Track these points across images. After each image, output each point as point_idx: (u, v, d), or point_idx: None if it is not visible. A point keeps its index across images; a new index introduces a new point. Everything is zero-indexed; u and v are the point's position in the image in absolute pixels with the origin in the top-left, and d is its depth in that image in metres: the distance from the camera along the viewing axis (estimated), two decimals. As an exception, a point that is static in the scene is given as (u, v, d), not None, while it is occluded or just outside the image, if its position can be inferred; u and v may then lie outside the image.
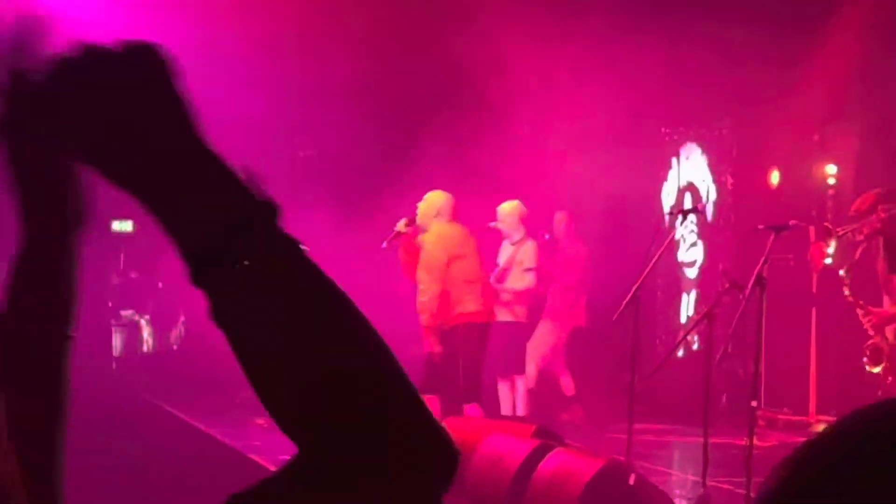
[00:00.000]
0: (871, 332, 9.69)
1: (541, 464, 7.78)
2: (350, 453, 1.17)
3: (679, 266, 15.56)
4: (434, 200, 10.62)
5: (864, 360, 9.79)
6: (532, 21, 13.75)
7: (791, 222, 8.51)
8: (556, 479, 7.60)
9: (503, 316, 11.57)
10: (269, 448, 10.03)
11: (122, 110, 1.22)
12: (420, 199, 10.72)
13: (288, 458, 1.20)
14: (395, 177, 13.13)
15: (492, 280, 11.77)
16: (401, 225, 10.61)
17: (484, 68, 13.55)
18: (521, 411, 11.78)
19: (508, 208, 11.76)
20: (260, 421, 11.28)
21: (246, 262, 1.20)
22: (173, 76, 1.24)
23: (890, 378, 9.68)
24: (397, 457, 1.18)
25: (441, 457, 1.20)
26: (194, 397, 13.36)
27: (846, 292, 9.87)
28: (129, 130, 1.22)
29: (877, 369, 9.70)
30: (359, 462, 1.17)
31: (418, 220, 10.60)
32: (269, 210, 1.23)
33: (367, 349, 1.22)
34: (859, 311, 9.75)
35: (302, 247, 1.24)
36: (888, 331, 9.74)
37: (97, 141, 1.23)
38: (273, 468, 1.25)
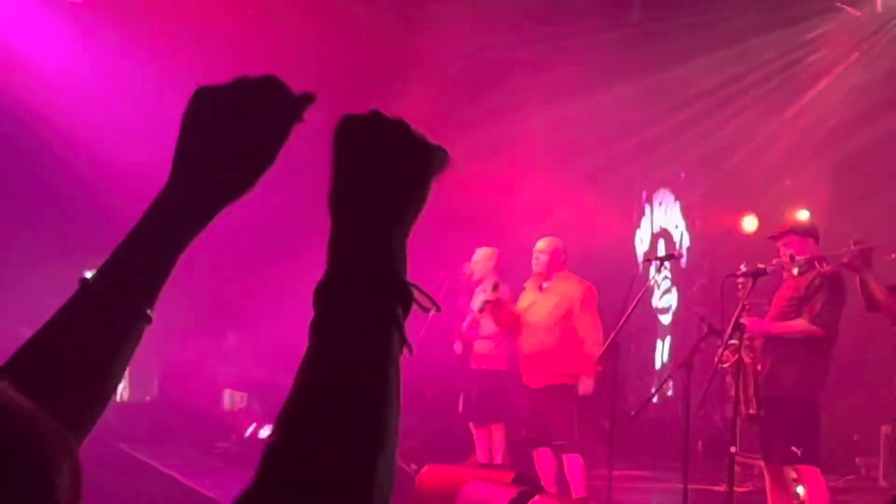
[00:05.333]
0: None
1: (522, 512, 7.77)
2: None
3: (653, 312, 15.60)
4: (560, 246, 10.66)
5: None
6: (504, 68, 13.85)
7: (769, 268, 8.55)
8: (538, 527, 7.58)
9: (480, 364, 11.55)
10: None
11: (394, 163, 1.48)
12: None
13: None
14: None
15: (464, 327, 11.73)
16: (489, 294, 10.68)
17: (455, 119, 13.61)
18: (497, 459, 11.73)
19: (484, 254, 11.68)
20: (237, 471, 11.22)
21: (356, 315, 1.37)
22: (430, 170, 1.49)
23: None
24: None
25: None
26: (171, 448, 13.28)
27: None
28: (389, 175, 1.47)
29: None
30: None
31: (541, 268, 10.63)
32: (405, 295, 1.41)
33: (371, 431, 1.31)
34: None
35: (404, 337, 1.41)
36: None
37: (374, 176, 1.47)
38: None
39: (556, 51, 13.53)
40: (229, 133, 1.56)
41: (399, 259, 1.43)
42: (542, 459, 10.36)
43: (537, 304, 10.57)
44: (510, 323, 10.74)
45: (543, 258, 10.57)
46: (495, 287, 10.64)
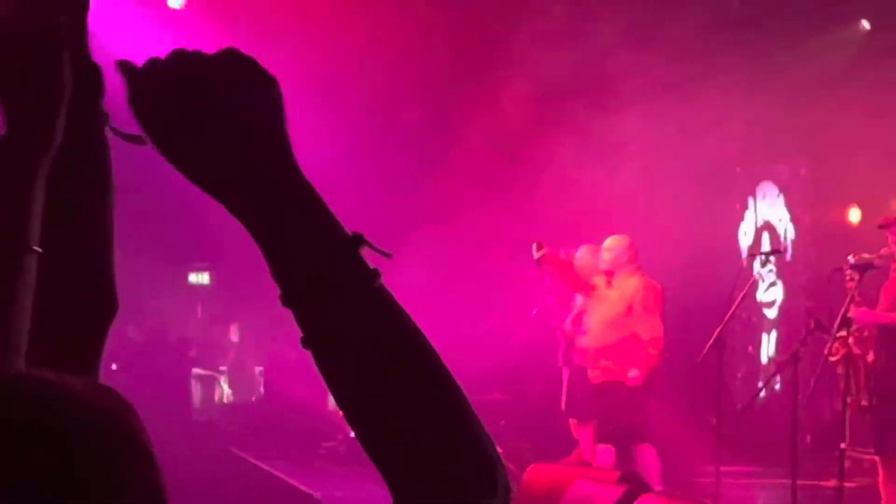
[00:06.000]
0: None
1: (629, 510, 7.70)
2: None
3: (758, 306, 15.43)
4: (626, 245, 10.65)
5: None
6: (604, 60, 13.77)
7: (876, 260, 8.43)
8: (646, 525, 7.51)
9: (583, 360, 11.50)
10: (351, 497, 10.02)
11: (228, 120, 1.23)
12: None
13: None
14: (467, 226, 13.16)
15: (567, 324, 11.69)
16: (535, 253, 10.74)
17: (556, 108, 13.56)
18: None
19: (585, 252, 11.63)
20: (343, 471, 11.31)
21: (330, 300, 1.24)
22: (279, 95, 1.25)
23: None
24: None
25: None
26: (277, 448, 13.40)
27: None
28: (234, 141, 1.23)
29: None
30: None
31: (606, 266, 10.62)
32: (356, 244, 1.28)
33: (430, 398, 1.25)
34: None
35: (382, 285, 1.27)
36: None
37: (198, 144, 1.25)
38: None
39: (653, 44, 13.41)
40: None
41: (312, 206, 1.25)
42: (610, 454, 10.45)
43: (602, 302, 10.60)
44: (575, 279, 10.86)
45: (608, 256, 10.59)
46: (539, 247, 10.72)
